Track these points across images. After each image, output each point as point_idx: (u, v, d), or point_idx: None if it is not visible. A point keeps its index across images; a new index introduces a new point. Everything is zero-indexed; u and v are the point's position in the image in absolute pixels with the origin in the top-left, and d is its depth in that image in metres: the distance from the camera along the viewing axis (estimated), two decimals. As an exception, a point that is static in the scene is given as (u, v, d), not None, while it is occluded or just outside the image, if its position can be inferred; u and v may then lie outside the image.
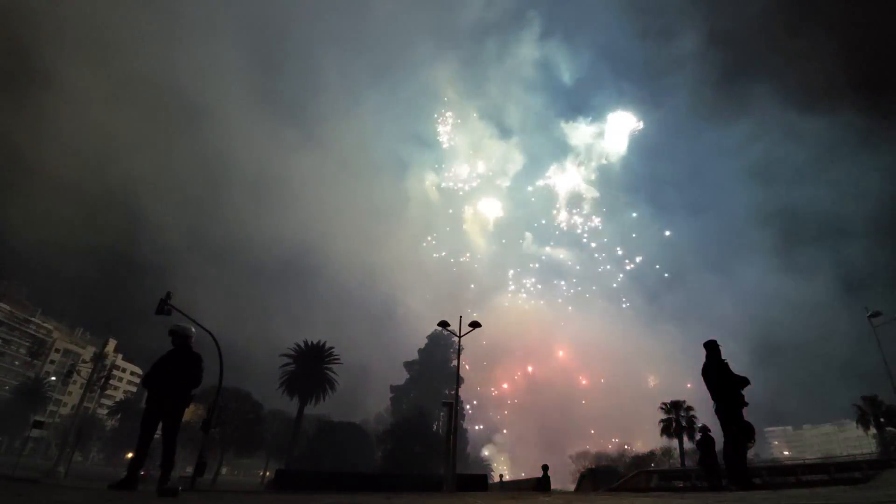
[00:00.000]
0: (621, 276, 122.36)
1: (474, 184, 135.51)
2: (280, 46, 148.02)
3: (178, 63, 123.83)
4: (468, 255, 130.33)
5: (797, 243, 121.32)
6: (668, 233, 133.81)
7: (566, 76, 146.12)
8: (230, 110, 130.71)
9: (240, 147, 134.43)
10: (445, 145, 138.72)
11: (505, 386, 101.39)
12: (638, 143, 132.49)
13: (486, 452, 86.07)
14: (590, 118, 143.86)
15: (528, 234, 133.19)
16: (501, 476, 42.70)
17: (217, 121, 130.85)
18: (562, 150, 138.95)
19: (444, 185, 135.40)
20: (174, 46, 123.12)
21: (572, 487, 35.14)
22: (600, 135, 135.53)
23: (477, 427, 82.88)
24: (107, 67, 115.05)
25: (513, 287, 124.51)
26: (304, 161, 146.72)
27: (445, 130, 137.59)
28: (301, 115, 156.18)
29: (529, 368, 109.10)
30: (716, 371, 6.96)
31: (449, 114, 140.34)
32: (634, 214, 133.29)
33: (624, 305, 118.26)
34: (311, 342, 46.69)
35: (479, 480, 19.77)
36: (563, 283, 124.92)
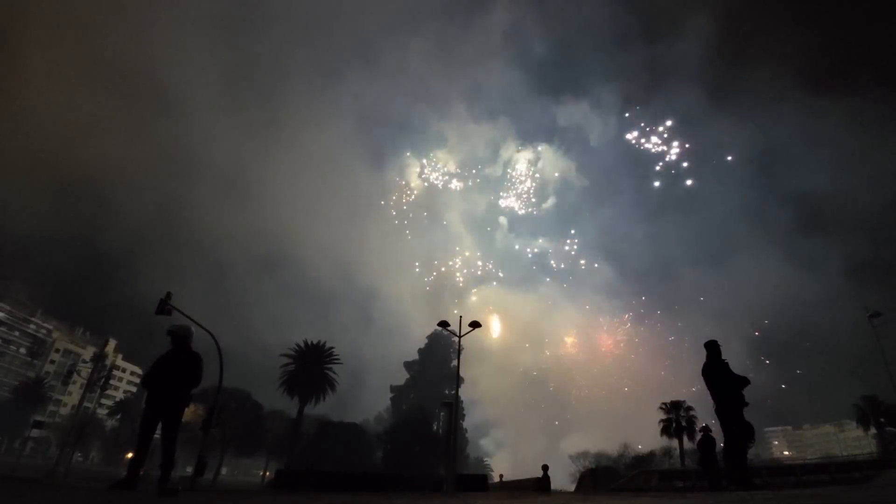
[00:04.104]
0: (618, 272, 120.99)
1: (455, 171, 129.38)
2: (252, 34, 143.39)
3: (148, 48, 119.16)
4: (457, 247, 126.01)
5: (800, 239, 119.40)
6: (666, 226, 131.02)
7: (545, 50, 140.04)
8: (201, 98, 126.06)
9: (213, 138, 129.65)
10: (425, 133, 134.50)
11: (505, 385, 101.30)
12: (631, 127, 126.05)
13: (485, 452, 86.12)
14: (579, 96, 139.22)
15: (518, 227, 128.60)
16: (501, 476, 42.64)
17: (188, 109, 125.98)
18: (549, 132, 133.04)
19: (425, 174, 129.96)
20: (142, 30, 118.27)
21: (572, 487, 35.11)
22: (588, 115, 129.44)
23: (476, 426, 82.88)
24: (76, 49, 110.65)
25: (506, 282, 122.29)
26: (281, 152, 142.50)
27: (424, 118, 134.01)
28: (274, 105, 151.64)
29: (529, 366, 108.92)
30: (716, 371, 6.97)
31: (428, 99, 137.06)
32: (629, 205, 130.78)
33: (623, 302, 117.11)
34: (311, 342, 46.71)
35: (479, 480, 19.81)
36: (559, 279, 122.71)
